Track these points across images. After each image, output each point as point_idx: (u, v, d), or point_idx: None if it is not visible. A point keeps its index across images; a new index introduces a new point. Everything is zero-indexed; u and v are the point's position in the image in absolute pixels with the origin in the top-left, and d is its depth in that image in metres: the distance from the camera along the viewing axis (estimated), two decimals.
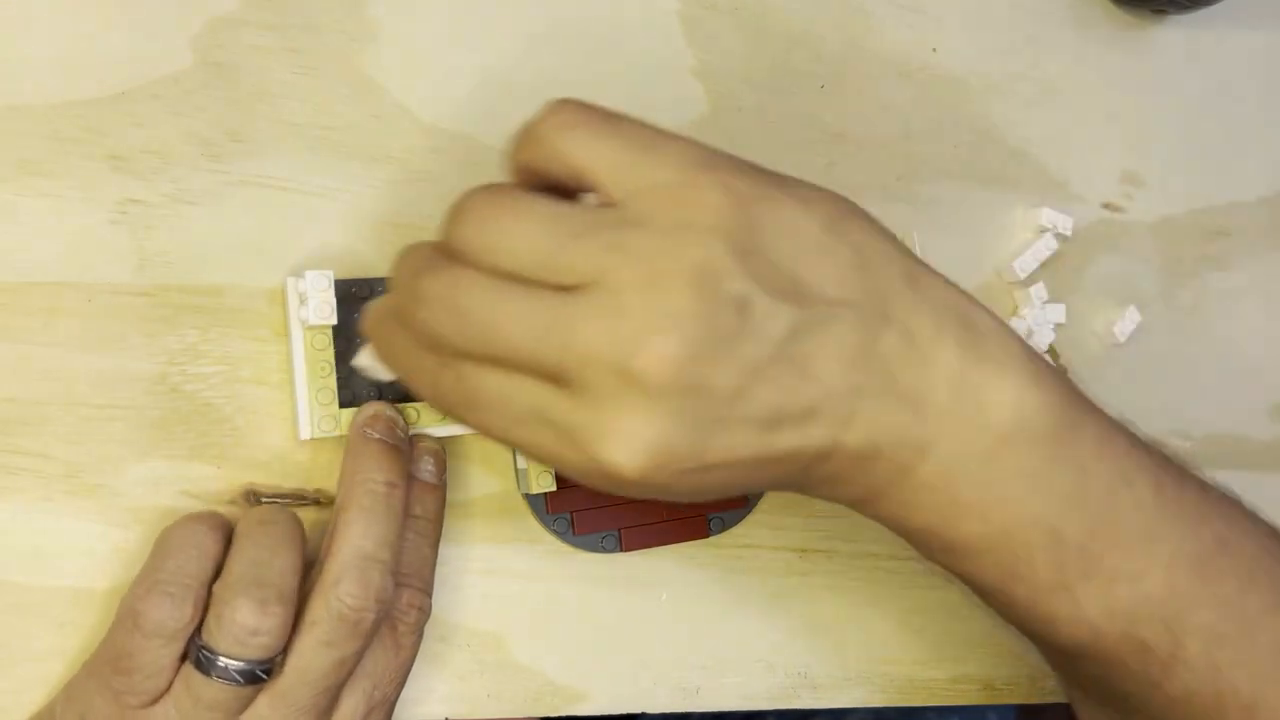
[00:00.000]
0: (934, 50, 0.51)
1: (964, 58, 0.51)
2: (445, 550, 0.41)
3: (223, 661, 0.33)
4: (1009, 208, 0.52)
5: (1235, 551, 0.36)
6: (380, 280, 0.40)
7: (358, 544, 0.35)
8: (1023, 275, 0.50)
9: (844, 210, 0.33)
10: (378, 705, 0.37)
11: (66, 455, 0.37)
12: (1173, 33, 0.56)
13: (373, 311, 0.35)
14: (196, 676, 0.33)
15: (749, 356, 0.30)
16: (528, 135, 0.32)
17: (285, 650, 0.34)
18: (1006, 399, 0.32)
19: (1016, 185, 0.52)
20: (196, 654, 0.34)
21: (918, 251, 0.47)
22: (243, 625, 0.33)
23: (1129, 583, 0.34)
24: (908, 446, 0.32)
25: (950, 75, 0.51)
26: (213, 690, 0.33)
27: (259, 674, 0.34)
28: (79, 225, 0.38)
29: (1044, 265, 0.51)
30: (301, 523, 0.37)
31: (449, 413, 0.33)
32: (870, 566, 0.48)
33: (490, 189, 0.32)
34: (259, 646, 0.33)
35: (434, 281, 0.31)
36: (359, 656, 0.35)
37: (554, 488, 0.41)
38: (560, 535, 0.43)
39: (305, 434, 0.39)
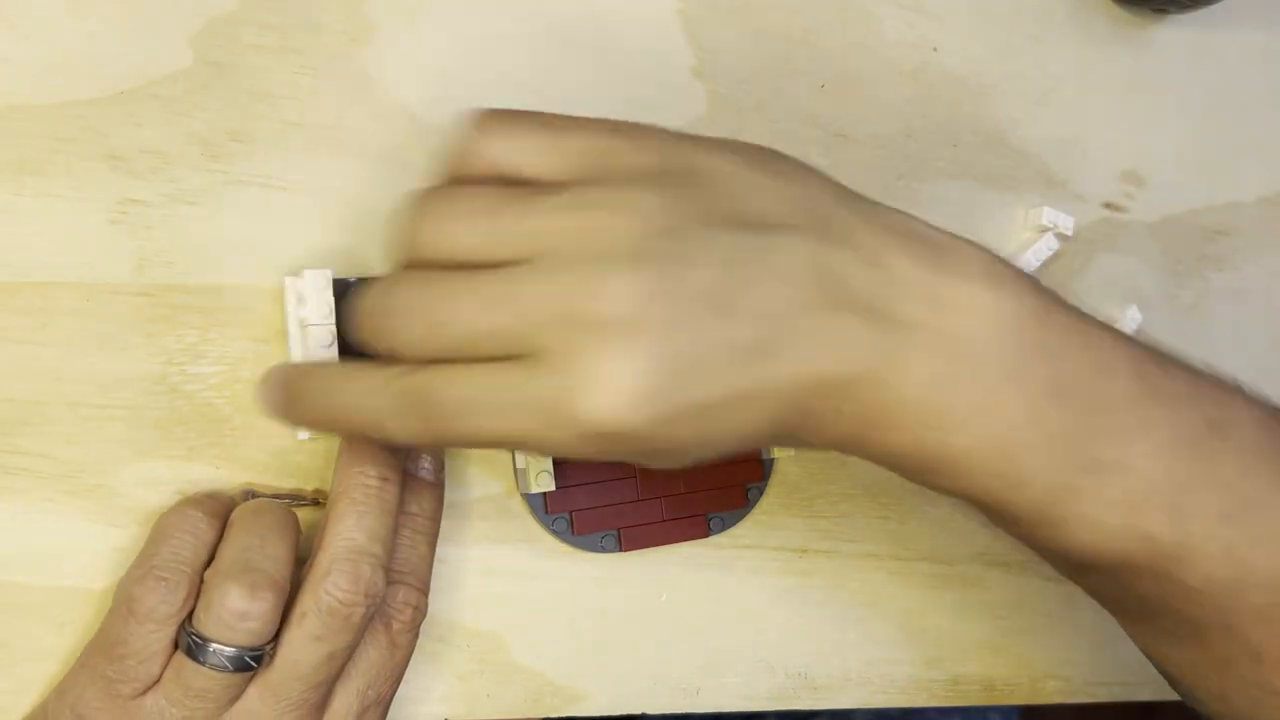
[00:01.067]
0: (934, 50, 0.51)
1: (964, 58, 0.51)
2: (445, 550, 0.41)
3: (213, 648, 0.33)
4: (1009, 208, 0.52)
5: (1230, 434, 0.34)
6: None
7: (348, 537, 0.35)
8: None
9: (773, 153, 0.33)
10: (371, 705, 0.37)
11: (66, 455, 0.37)
12: (1173, 33, 0.56)
13: (309, 382, 0.34)
14: (187, 664, 0.34)
15: (707, 285, 0.29)
16: (457, 152, 0.32)
17: (276, 641, 0.34)
18: (976, 303, 0.32)
19: (1017, 185, 0.52)
20: (187, 640, 0.34)
21: None
22: (232, 610, 0.33)
23: (1124, 473, 0.33)
24: (886, 364, 0.31)
25: (950, 75, 0.51)
26: (202, 678, 0.33)
27: (248, 661, 0.34)
28: (78, 225, 0.38)
29: (1045, 265, 0.51)
30: (295, 514, 0.37)
31: (431, 441, 0.32)
32: (870, 567, 0.48)
33: (427, 191, 0.32)
34: (248, 632, 0.33)
35: (384, 295, 0.31)
36: (350, 651, 0.35)
37: (553, 487, 0.41)
38: (560, 535, 0.43)
39: (304, 434, 0.39)
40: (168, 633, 0.34)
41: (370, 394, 0.32)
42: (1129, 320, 0.53)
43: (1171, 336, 0.55)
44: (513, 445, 0.31)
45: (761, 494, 0.46)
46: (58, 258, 0.37)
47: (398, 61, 0.42)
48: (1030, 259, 0.51)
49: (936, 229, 0.34)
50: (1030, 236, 0.52)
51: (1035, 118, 0.53)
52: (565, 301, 0.29)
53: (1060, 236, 0.52)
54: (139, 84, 0.39)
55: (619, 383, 0.28)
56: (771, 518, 0.46)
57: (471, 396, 0.30)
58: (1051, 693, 0.51)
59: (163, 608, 0.34)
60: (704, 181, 0.31)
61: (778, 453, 0.45)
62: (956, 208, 0.51)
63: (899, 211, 0.34)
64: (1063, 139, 0.53)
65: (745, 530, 0.46)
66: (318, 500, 0.40)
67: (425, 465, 0.39)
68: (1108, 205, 0.54)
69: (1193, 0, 0.53)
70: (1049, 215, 0.51)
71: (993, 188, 0.52)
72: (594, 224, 0.29)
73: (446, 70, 0.43)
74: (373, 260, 0.41)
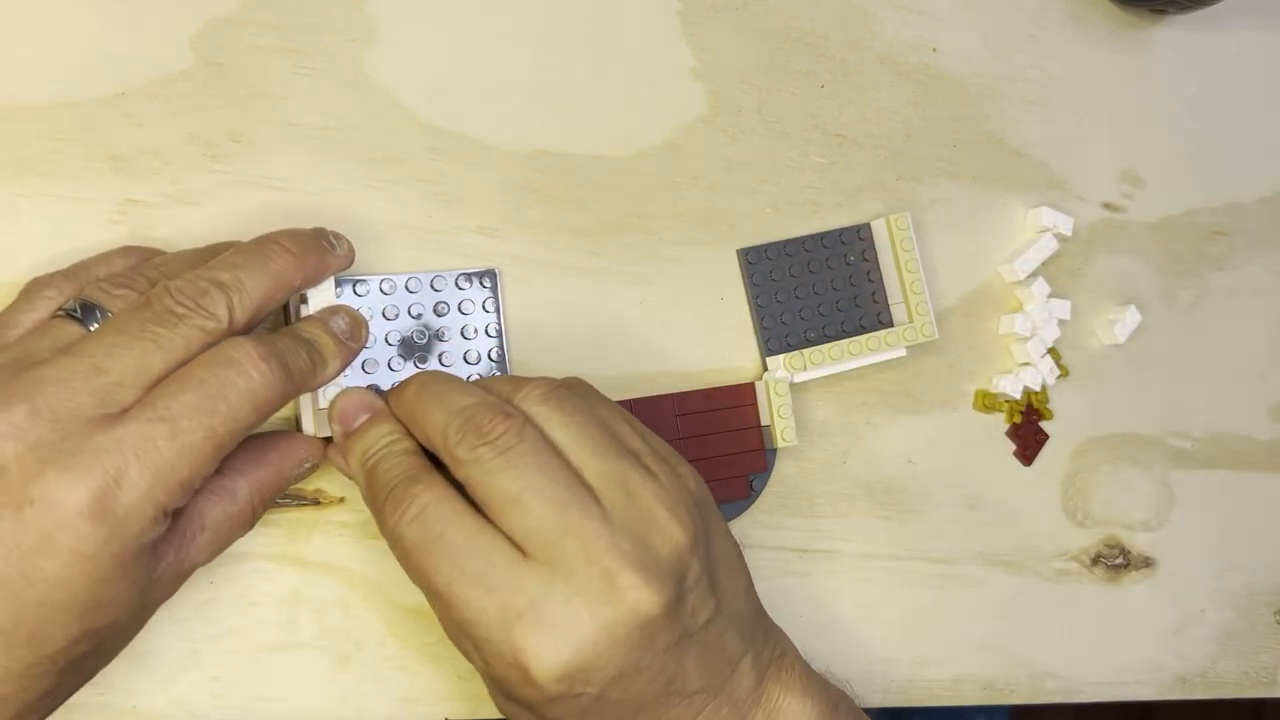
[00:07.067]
0: (934, 50, 0.51)
1: (964, 58, 0.51)
2: None
3: (75, 304, 0.34)
4: (1009, 208, 0.52)
5: None
6: (380, 278, 0.40)
7: (222, 267, 0.35)
8: (1023, 275, 0.50)
9: (740, 547, 0.40)
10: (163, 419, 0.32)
11: None
12: (1173, 33, 0.56)
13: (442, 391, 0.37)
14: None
15: (685, 627, 0.35)
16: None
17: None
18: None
19: (1016, 185, 0.52)
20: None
21: (913, 242, 0.47)
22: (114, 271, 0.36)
23: None
24: None
25: (950, 75, 0.51)
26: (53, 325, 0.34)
27: (97, 314, 0.33)
28: (79, 225, 0.38)
29: (1044, 265, 0.51)
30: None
31: (398, 537, 0.35)
32: (870, 566, 0.48)
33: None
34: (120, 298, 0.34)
35: (510, 422, 0.35)
36: (157, 351, 0.32)
37: None
38: None
39: (308, 433, 0.39)
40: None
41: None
42: (1128, 320, 0.53)
43: (1171, 336, 0.55)
44: (449, 610, 0.35)
45: (765, 484, 0.46)
46: (59, 258, 0.37)
47: (398, 61, 0.42)
48: (1030, 259, 0.51)
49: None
50: (1030, 236, 0.52)
51: (1035, 118, 0.53)
52: (609, 554, 0.34)
53: (1060, 237, 0.52)
54: (140, 84, 0.39)
55: (578, 641, 0.34)
56: (771, 517, 0.46)
57: (467, 548, 0.34)
58: (1051, 693, 0.51)
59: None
60: (715, 543, 0.38)
61: (780, 443, 0.45)
62: (956, 208, 0.51)
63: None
64: (1062, 139, 0.53)
65: (745, 530, 0.46)
66: (319, 500, 0.40)
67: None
68: (1107, 205, 0.54)
69: (1192, 0, 0.53)
70: (1048, 216, 0.51)
71: (992, 188, 0.52)
72: (664, 514, 0.37)
73: (446, 70, 0.43)
74: (372, 260, 0.41)
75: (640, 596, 0.34)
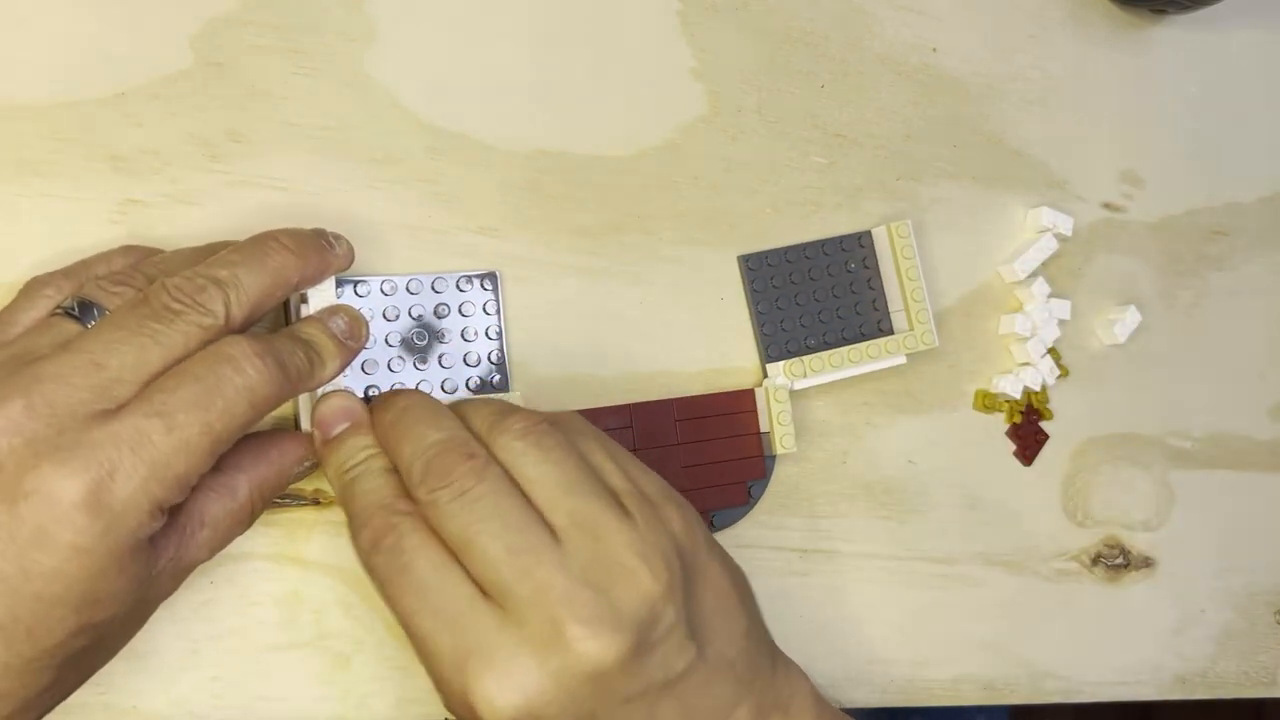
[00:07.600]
0: (934, 50, 0.51)
1: (964, 58, 0.51)
2: None
3: (73, 302, 0.34)
4: (1009, 208, 0.52)
5: None
6: (381, 279, 0.40)
7: (221, 265, 0.34)
8: (1023, 275, 0.50)
9: (749, 585, 0.39)
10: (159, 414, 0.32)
11: None
12: (1173, 33, 0.56)
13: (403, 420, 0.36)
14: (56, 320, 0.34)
15: (651, 678, 0.34)
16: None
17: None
18: None
19: (1016, 185, 0.52)
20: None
21: (914, 249, 0.47)
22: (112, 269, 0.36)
23: None
24: None
25: (950, 75, 0.51)
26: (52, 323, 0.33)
27: (95, 312, 0.33)
28: (79, 225, 0.38)
29: (1044, 265, 0.51)
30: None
31: (369, 563, 0.35)
32: (870, 566, 0.48)
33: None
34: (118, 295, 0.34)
35: (471, 463, 0.34)
36: (152, 349, 0.32)
37: None
38: None
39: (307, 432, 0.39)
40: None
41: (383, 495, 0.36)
42: (1128, 320, 0.53)
43: (1171, 336, 0.55)
44: (412, 642, 0.35)
45: (764, 492, 0.46)
46: (58, 258, 0.37)
47: (398, 61, 0.42)
48: (1030, 259, 0.51)
49: (815, 693, 0.40)
50: (1030, 236, 0.52)
51: (1035, 118, 0.53)
52: (562, 604, 0.33)
53: (1060, 237, 0.52)
54: (139, 84, 0.39)
55: (525, 692, 0.33)
56: (771, 517, 0.46)
57: (432, 582, 0.34)
58: (1051, 693, 0.51)
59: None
60: (701, 586, 0.37)
61: (779, 450, 0.45)
62: (956, 208, 0.51)
63: (798, 669, 0.40)
64: (1062, 139, 0.53)
65: (745, 530, 0.46)
66: (318, 500, 0.40)
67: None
68: (1107, 205, 0.54)
69: (1192, 0, 0.53)
70: (1048, 216, 0.51)
71: (993, 188, 0.52)
72: (633, 558, 0.35)
73: (446, 70, 0.43)
74: (373, 260, 0.41)
75: (588, 647, 0.33)
